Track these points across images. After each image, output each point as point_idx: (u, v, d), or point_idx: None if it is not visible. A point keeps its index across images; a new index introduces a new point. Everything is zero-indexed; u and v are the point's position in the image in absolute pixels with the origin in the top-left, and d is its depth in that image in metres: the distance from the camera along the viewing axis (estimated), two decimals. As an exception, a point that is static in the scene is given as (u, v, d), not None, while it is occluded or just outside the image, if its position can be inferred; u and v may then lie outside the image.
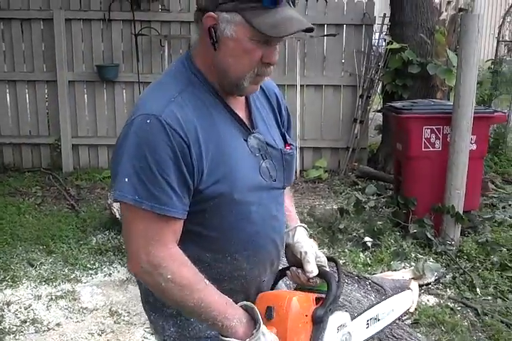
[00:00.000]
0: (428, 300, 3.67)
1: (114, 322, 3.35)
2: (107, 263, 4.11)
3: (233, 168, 1.33)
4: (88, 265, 4.06)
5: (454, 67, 5.42)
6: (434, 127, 4.45)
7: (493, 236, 4.46)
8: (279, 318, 1.31)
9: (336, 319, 1.42)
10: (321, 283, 1.47)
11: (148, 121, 1.25)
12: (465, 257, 4.16)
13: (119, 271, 4.01)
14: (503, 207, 5.43)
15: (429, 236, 4.27)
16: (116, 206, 4.44)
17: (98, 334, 3.21)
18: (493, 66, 7.69)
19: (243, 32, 1.24)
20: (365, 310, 1.69)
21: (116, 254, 4.24)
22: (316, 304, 1.40)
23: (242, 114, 1.41)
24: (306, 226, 1.58)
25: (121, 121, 6.26)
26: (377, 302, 1.80)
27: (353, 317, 1.56)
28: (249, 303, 1.31)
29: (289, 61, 6.26)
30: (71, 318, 3.39)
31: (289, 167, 1.49)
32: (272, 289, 1.54)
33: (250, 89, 1.37)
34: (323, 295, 1.43)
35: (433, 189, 4.43)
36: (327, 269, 1.51)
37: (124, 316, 3.42)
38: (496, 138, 6.91)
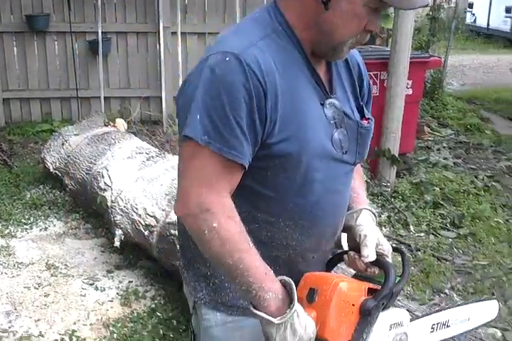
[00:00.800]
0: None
1: (51, 275, 3.30)
2: (43, 218, 4.01)
3: (306, 128, 1.22)
4: (23, 220, 3.96)
5: (391, 13, 5.41)
6: (371, 73, 4.46)
7: (427, 176, 4.59)
8: (322, 303, 1.19)
9: (391, 315, 1.27)
10: (381, 274, 1.30)
11: (227, 59, 1.15)
12: (400, 197, 4.28)
13: (55, 225, 3.92)
14: (438, 149, 5.59)
15: (366, 178, 4.34)
16: (49, 159, 4.31)
17: (35, 288, 3.16)
18: (431, 12, 7.72)
19: None
20: (433, 313, 1.53)
21: (51, 208, 4.14)
22: (369, 295, 1.25)
23: (322, 76, 1.30)
24: (373, 210, 1.44)
25: (54, 74, 6.02)
26: (450, 307, 1.61)
27: (414, 318, 1.42)
28: (288, 279, 1.19)
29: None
30: (6, 273, 3.31)
31: (364, 142, 1.37)
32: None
33: (344, 55, 1.29)
34: (379, 287, 1.27)
35: (370, 134, 4.47)
36: (389, 259, 1.35)
37: (61, 269, 3.36)
38: (432, 84, 7.03)
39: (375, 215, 1.43)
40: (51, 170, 4.27)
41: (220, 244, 1.15)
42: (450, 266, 3.49)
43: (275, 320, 1.13)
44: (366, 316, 1.21)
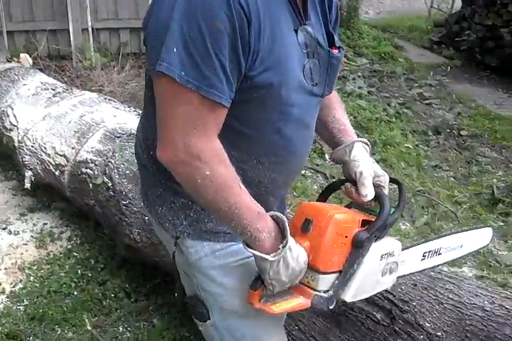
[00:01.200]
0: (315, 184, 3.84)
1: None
2: None
3: (286, 57, 1.13)
4: None
5: None
6: None
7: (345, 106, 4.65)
8: (316, 233, 1.20)
9: (382, 246, 1.27)
10: (376, 205, 1.29)
11: None
12: (316, 127, 4.34)
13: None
14: (353, 79, 5.66)
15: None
16: None
17: None
18: None
19: None
20: (425, 242, 1.51)
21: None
22: (362, 227, 1.25)
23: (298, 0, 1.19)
24: (366, 140, 1.39)
25: None
26: (443, 235, 1.58)
27: (406, 247, 1.40)
28: (280, 215, 1.18)
29: None
30: None
31: (334, 73, 1.28)
32: None
33: None
34: (373, 219, 1.27)
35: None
36: (385, 191, 1.33)
37: (-30, 213, 3.23)
38: (348, 12, 7.00)
39: (368, 145, 1.39)
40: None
41: (215, 190, 1.10)
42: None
43: (269, 257, 1.13)
44: (358, 248, 1.22)
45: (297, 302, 1.22)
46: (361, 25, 7.22)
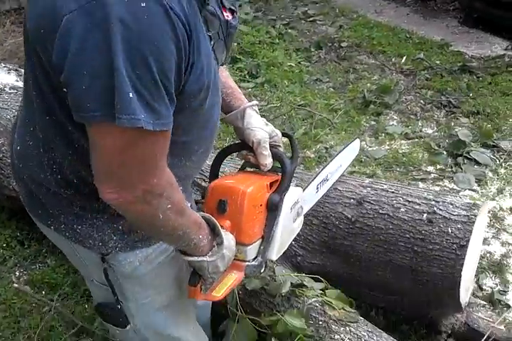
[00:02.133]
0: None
1: None
2: None
3: (208, 55, 1.04)
4: None
5: None
6: None
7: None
8: (233, 212, 1.24)
9: (289, 200, 1.33)
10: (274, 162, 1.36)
11: (142, 5, 0.86)
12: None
13: None
14: (240, 5, 5.66)
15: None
16: None
17: None
18: None
19: None
20: (315, 177, 1.59)
21: None
22: (270, 189, 1.31)
23: None
24: (255, 103, 1.38)
25: None
26: (327, 164, 1.68)
27: (304, 188, 1.48)
28: (209, 216, 1.19)
29: None
30: None
31: (231, 42, 1.20)
32: (214, 170, 1.41)
33: None
34: (277, 177, 1.33)
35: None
36: (281, 149, 1.38)
37: None
38: None
39: (257, 106, 1.40)
40: None
41: (174, 219, 1.07)
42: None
43: (208, 258, 1.16)
44: (273, 211, 1.30)
45: (233, 279, 1.28)
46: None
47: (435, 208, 1.70)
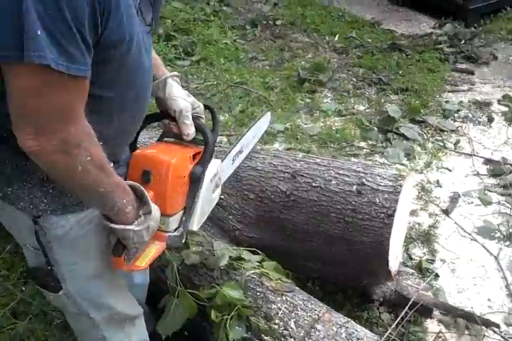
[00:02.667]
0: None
1: None
2: None
3: (128, 6, 1.04)
4: None
5: None
6: None
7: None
8: (157, 182, 1.24)
9: (210, 172, 1.36)
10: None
11: None
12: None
13: None
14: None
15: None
16: None
17: None
18: None
19: None
20: (231, 149, 1.58)
21: None
22: (193, 161, 1.32)
23: None
24: (176, 74, 1.40)
25: None
26: (241, 137, 1.67)
27: (222, 160, 1.50)
28: (137, 185, 1.19)
29: None
30: None
31: (159, 6, 1.22)
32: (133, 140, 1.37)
33: None
34: (199, 149, 1.35)
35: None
36: (203, 120, 1.40)
37: None
38: None
39: (178, 77, 1.41)
40: None
41: (95, 173, 1.06)
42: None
43: (134, 227, 1.17)
44: (196, 182, 1.32)
45: (155, 248, 1.30)
46: None
47: (364, 180, 1.78)
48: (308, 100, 3.69)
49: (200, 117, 1.41)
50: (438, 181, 2.96)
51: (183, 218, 1.33)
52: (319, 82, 3.83)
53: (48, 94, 0.96)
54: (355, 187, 1.79)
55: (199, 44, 4.33)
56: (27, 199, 1.19)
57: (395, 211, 1.72)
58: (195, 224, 1.36)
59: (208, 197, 1.39)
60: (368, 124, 3.41)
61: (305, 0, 5.29)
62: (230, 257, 1.75)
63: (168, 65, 4.09)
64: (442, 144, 3.26)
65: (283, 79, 3.91)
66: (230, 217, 1.93)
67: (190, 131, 1.35)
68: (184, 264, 1.75)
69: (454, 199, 2.82)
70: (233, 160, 1.71)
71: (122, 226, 1.17)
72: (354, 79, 3.97)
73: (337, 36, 4.58)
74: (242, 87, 3.76)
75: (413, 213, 2.70)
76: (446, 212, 2.74)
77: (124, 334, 1.52)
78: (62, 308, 1.49)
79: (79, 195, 1.17)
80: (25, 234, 1.27)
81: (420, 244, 2.57)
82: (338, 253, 1.86)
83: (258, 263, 1.78)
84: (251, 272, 1.73)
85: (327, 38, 4.60)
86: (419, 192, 2.87)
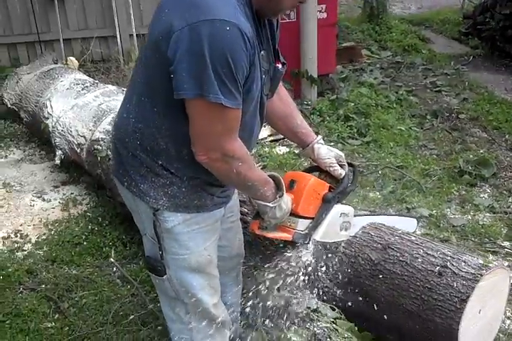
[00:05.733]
0: (280, 150, 4.34)
1: (6, 191, 3.92)
2: (4, 148, 4.59)
3: (257, 74, 1.54)
4: (-15, 152, 4.53)
5: None
6: None
7: (347, 94, 5.07)
8: (298, 189, 1.72)
9: (341, 207, 1.79)
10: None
11: (227, 28, 1.39)
12: (317, 113, 4.80)
13: (14, 153, 4.51)
14: (371, 70, 6.03)
15: (288, 98, 4.84)
16: (7, 97, 4.83)
17: (-11, 201, 3.76)
18: None
19: None
20: (373, 215, 2.11)
21: (12, 140, 4.72)
22: (329, 191, 1.78)
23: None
24: (321, 137, 1.90)
25: (17, 20, 6.34)
26: (387, 214, 2.25)
27: (357, 215, 1.97)
28: (276, 174, 1.68)
29: None
30: (-32, 192, 3.92)
31: (277, 83, 1.72)
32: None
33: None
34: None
35: (292, 58, 4.92)
36: (345, 167, 1.87)
37: (15, 187, 3.99)
38: (376, 8, 7.33)
39: (323, 139, 1.90)
40: (9, 106, 4.81)
41: (245, 175, 1.57)
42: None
43: (271, 204, 1.65)
44: (326, 203, 1.74)
45: (283, 234, 1.73)
46: (391, 20, 7.52)
47: (448, 263, 1.83)
48: (463, 192, 3.68)
49: (343, 164, 1.87)
50: None
51: (310, 225, 1.72)
52: (481, 176, 3.80)
53: (214, 122, 1.47)
54: (437, 268, 1.85)
55: (373, 127, 4.59)
56: (152, 195, 1.63)
57: (468, 296, 1.74)
58: (318, 235, 1.73)
59: (335, 226, 1.78)
60: (518, 225, 3.29)
61: (495, 97, 5.28)
62: (308, 307, 1.92)
63: (340, 143, 4.41)
64: None
65: (444, 168, 3.96)
66: (323, 275, 2.10)
67: (338, 172, 1.84)
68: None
69: None
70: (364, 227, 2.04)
71: (261, 202, 1.66)
72: (522, 181, 3.85)
73: (518, 135, 4.49)
74: (398, 170, 3.90)
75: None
76: None
77: (208, 334, 1.79)
78: (164, 292, 1.80)
79: (236, 188, 1.77)
80: (146, 224, 1.70)
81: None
82: (414, 329, 1.90)
83: (333, 320, 1.92)
84: (323, 325, 1.87)
85: (507, 136, 4.53)
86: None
